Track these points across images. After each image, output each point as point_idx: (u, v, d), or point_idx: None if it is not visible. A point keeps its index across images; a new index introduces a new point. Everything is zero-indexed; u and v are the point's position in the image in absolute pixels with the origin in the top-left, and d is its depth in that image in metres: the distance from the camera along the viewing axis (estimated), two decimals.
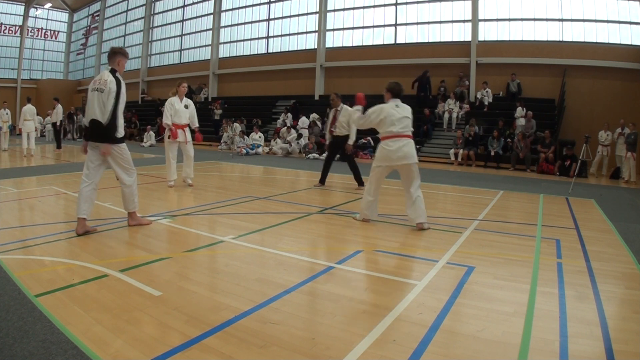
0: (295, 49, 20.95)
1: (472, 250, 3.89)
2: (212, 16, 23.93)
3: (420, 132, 14.50)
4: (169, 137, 6.99)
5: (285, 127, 16.49)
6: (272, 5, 21.84)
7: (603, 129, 12.35)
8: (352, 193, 7.04)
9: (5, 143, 13.81)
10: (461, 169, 12.41)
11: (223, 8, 23.78)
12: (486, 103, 15.34)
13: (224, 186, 7.75)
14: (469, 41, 16.13)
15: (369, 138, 14.39)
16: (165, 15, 26.95)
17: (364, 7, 18.92)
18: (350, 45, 19.45)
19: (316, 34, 19.86)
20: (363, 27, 19.09)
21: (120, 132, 4.16)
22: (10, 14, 30.08)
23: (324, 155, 13.89)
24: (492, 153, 13.04)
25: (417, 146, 12.35)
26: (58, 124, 15.18)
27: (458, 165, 13.29)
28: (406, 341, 2.18)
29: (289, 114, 17.70)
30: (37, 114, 14.48)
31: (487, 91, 15.43)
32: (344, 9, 19.43)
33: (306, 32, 20.56)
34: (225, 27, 23.82)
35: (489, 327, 2.38)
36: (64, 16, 33.61)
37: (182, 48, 26.07)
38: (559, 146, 12.15)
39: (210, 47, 23.98)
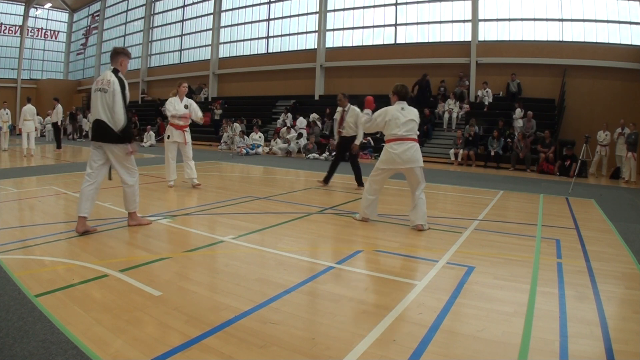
0: (295, 49, 20.96)
1: (472, 250, 3.89)
2: (212, 16, 23.94)
3: (421, 132, 14.39)
4: (168, 137, 6.99)
5: (285, 127, 16.49)
6: (272, 5, 21.84)
7: (602, 129, 12.35)
8: (352, 193, 7.04)
9: (5, 143, 13.81)
10: (461, 169, 12.41)
11: (223, 8, 23.79)
12: (486, 103, 15.35)
13: (224, 186, 7.75)
14: (469, 41, 16.13)
15: (369, 138, 14.40)
16: (165, 15, 26.97)
17: (364, 7, 18.92)
18: (350, 45, 19.45)
19: (316, 34, 19.86)
20: (363, 27, 19.09)
21: None
22: (10, 14, 30.09)
23: (324, 155, 14.03)
24: (492, 153, 13.04)
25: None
26: (58, 123, 15.17)
27: (458, 165, 13.30)
28: (406, 341, 2.18)
29: (289, 114, 17.71)
30: (37, 114, 14.48)
31: (487, 91, 15.44)
32: (344, 9, 19.43)
33: (306, 32, 20.56)
34: (225, 27, 23.83)
35: (489, 327, 2.38)
36: (64, 16, 33.62)
37: (182, 48, 26.08)
38: (559, 146, 12.16)
39: (210, 47, 23.99)
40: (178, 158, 7.06)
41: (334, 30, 19.78)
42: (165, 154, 7.04)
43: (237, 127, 16.41)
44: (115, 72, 4.12)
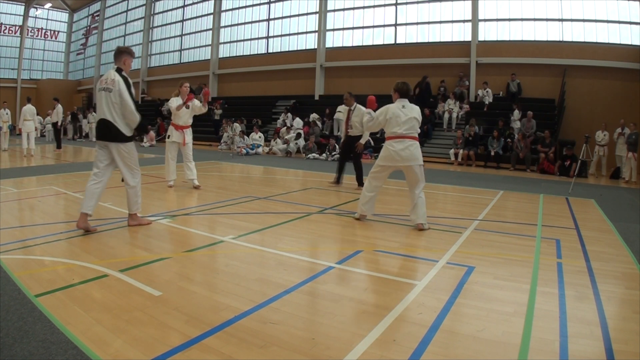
0: (295, 49, 20.95)
1: (472, 250, 3.89)
2: (212, 16, 23.94)
3: (421, 132, 14.42)
4: (168, 137, 6.99)
5: (285, 127, 16.50)
6: (272, 5, 21.84)
7: (600, 129, 12.35)
8: (352, 193, 7.04)
9: (5, 143, 13.81)
10: (461, 169, 12.41)
11: (223, 8, 23.79)
12: (486, 102, 15.35)
13: (224, 186, 7.75)
14: (469, 41, 16.13)
15: (369, 138, 14.38)
16: (165, 15, 26.96)
17: (364, 7, 18.92)
18: (350, 45, 19.44)
19: (316, 34, 19.86)
20: (363, 27, 19.08)
21: (129, 130, 4.22)
22: (10, 14, 30.08)
23: (324, 155, 14.02)
24: (492, 153, 13.04)
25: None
26: (58, 124, 15.18)
27: (458, 165, 13.30)
28: (406, 341, 2.18)
29: (289, 114, 17.71)
30: (37, 114, 14.48)
31: (487, 91, 15.44)
32: (344, 9, 19.43)
33: (306, 32, 20.56)
34: (225, 27, 23.82)
35: (489, 327, 2.38)
36: (64, 16, 33.61)
37: (182, 48, 26.07)
38: (559, 146, 12.15)
39: (210, 47, 23.98)
40: (179, 158, 7.07)
41: (334, 30, 19.77)
42: (166, 154, 7.04)
43: (237, 127, 16.42)
44: (119, 71, 4.13)
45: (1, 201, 5.40)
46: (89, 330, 2.19)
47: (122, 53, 4.21)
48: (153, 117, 20.57)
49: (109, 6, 30.44)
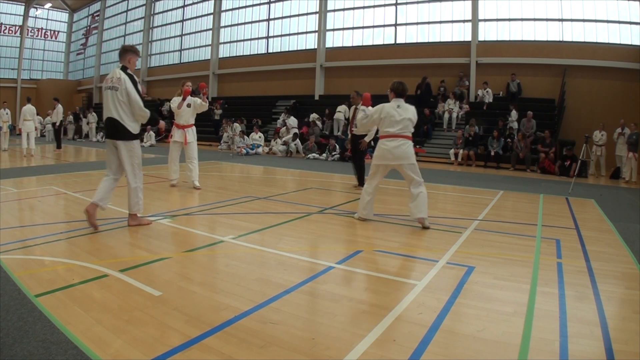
0: (295, 49, 20.95)
1: (472, 250, 3.89)
2: (212, 16, 23.94)
3: (421, 132, 14.49)
4: (171, 137, 7.01)
5: (285, 127, 16.49)
6: (272, 5, 21.84)
7: (598, 129, 12.34)
8: (352, 193, 7.03)
9: (5, 143, 13.81)
10: (461, 169, 12.41)
11: (223, 8, 23.79)
12: (487, 102, 15.35)
13: (224, 186, 7.75)
14: (469, 41, 16.13)
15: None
16: (165, 15, 26.96)
17: (364, 7, 18.92)
18: (350, 45, 19.45)
19: (316, 34, 19.86)
20: (363, 27, 19.09)
21: (136, 128, 4.27)
22: (10, 14, 30.08)
23: (324, 155, 14.02)
24: (492, 153, 13.04)
25: (417, 146, 12.39)
26: (58, 124, 15.18)
27: (458, 165, 13.29)
28: (406, 341, 2.18)
29: (289, 115, 17.69)
30: (37, 114, 14.48)
31: (487, 91, 15.44)
32: (344, 9, 19.43)
33: (306, 32, 20.56)
34: (225, 27, 23.82)
35: (489, 327, 2.38)
36: (64, 16, 33.61)
37: (182, 48, 26.07)
38: (559, 146, 12.15)
39: (210, 47, 23.99)
40: (181, 158, 7.07)
41: (334, 30, 19.77)
42: (169, 153, 7.06)
43: (237, 127, 16.41)
44: (123, 69, 4.16)
45: (1, 201, 5.40)
46: (89, 330, 2.19)
47: (127, 52, 4.26)
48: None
49: (109, 6, 30.44)
